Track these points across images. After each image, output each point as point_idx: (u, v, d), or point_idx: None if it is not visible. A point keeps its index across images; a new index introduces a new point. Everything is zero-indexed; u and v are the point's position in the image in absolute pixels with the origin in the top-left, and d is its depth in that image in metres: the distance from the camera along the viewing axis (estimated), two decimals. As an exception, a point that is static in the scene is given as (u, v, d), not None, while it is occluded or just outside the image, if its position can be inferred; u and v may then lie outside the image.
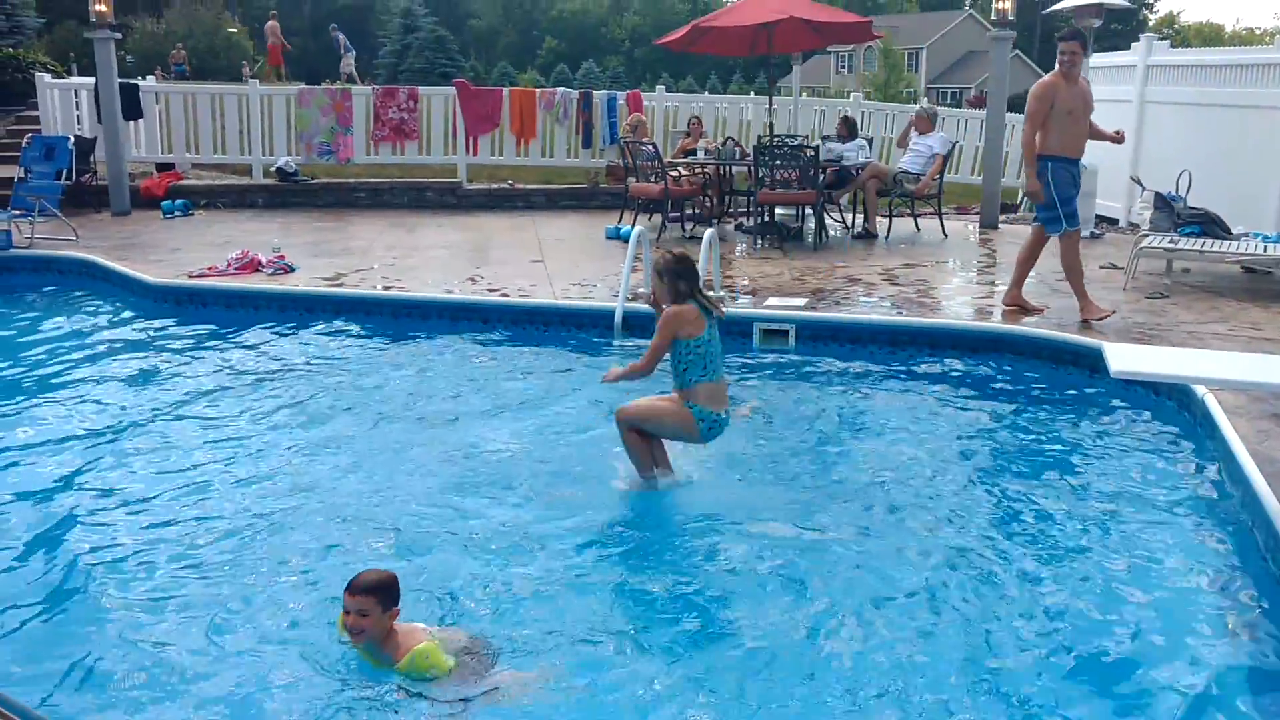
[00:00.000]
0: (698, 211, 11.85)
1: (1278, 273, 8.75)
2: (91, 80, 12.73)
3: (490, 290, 8.47)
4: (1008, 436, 5.80)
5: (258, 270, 9.09)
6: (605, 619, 3.85)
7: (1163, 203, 9.35)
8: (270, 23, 24.57)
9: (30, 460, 5.35)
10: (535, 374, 6.85)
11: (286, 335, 7.70)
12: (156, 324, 7.97)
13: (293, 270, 9.13)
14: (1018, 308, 7.68)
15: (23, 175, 11.19)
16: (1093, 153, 11.84)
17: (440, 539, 4.46)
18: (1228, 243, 8.68)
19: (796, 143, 11.52)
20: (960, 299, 8.47)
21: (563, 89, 15.25)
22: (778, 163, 10.70)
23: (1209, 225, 9.02)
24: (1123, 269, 8.92)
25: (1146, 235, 9.00)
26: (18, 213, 10.40)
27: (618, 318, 7.50)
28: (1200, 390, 5.55)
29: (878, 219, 11.44)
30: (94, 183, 12.53)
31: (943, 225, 11.55)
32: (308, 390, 6.48)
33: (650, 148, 11.31)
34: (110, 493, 4.95)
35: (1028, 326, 7.27)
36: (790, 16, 11.31)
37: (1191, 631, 3.75)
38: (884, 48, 49.74)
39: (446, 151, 14.13)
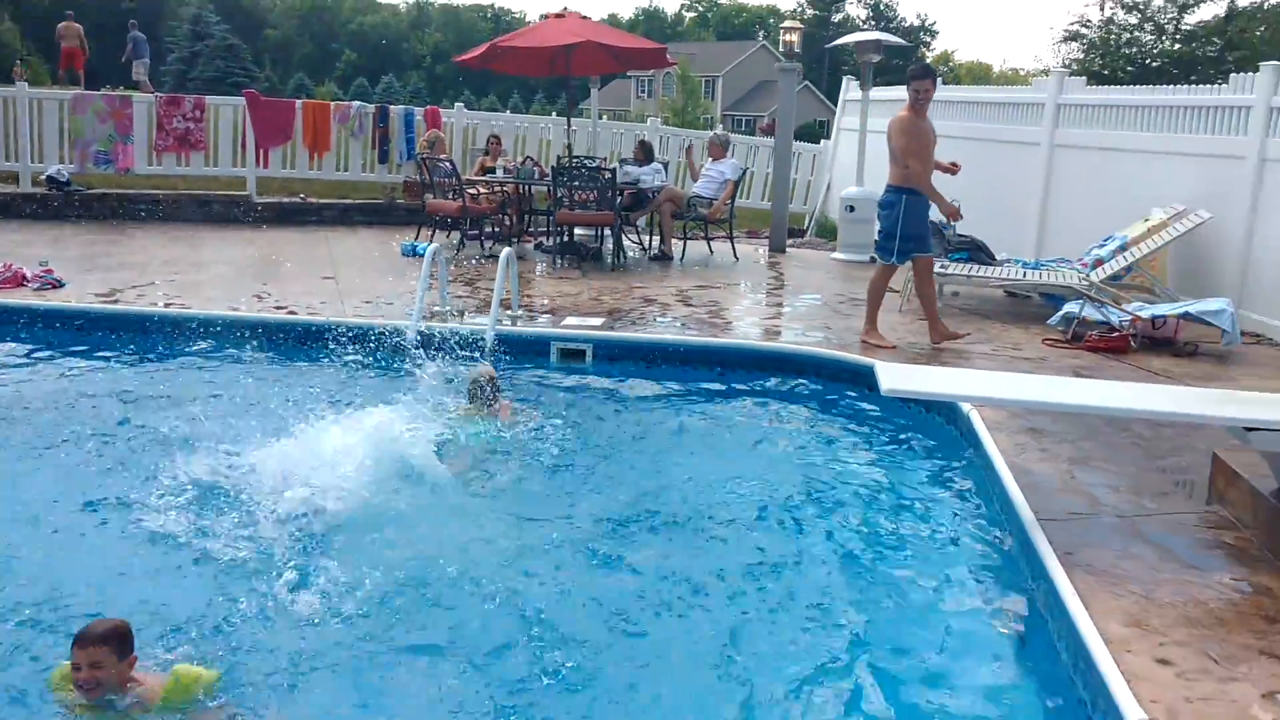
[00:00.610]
0: (497, 230, 11.83)
1: (1036, 297, 9.45)
2: None
3: (277, 308, 8.19)
4: (790, 451, 6.03)
5: (22, 285, 8.48)
6: (357, 651, 3.74)
7: (935, 230, 9.93)
8: (65, 24, 22.84)
9: None
10: (320, 393, 6.62)
11: (50, 355, 7.21)
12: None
13: (61, 286, 8.56)
14: (873, 343, 7.71)
15: None
16: (876, 183, 12.50)
17: (170, 572, 4.25)
18: (992, 268, 9.31)
19: (595, 164, 11.67)
20: (749, 320, 8.77)
21: (358, 102, 14.95)
22: (576, 184, 10.82)
23: (975, 252, 9.67)
24: (899, 292, 9.42)
25: (920, 260, 9.53)
26: None
27: (411, 335, 7.38)
28: (965, 407, 5.93)
29: (673, 241, 11.72)
30: None
31: (734, 248, 11.93)
32: (63, 415, 6.05)
33: (448, 164, 11.22)
34: None
35: (809, 346, 7.58)
36: (588, 40, 11.49)
37: (951, 636, 3.99)
38: (681, 74, 51.01)
39: (235, 163, 13.60)
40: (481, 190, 11.70)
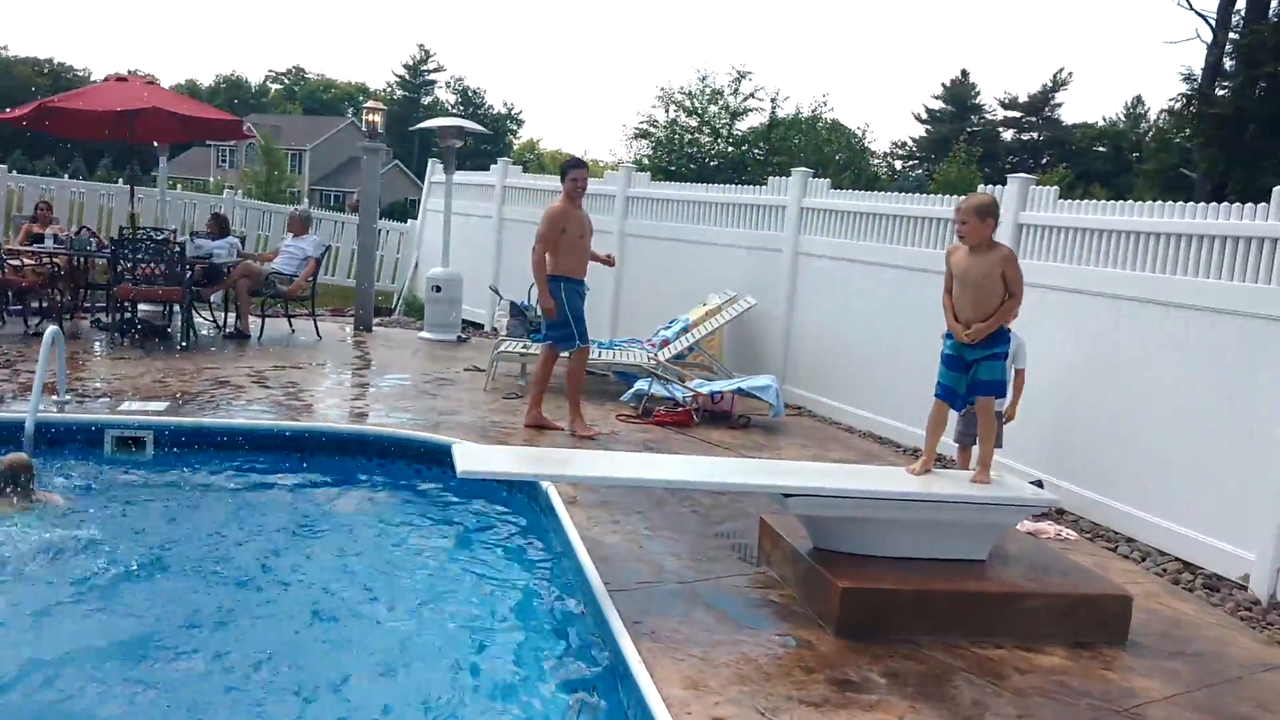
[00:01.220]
0: (45, 306, 10.67)
1: (611, 375, 9.97)
2: None
3: None
4: (372, 536, 5.87)
5: None
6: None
7: (517, 310, 10.24)
8: None
9: None
10: None
11: None
12: None
13: None
14: (538, 427, 7.71)
15: None
16: (461, 264, 12.73)
17: None
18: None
19: (162, 237, 10.90)
20: (331, 401, 8.51)
21: None
22: (140, 256, 10.04)
23: (555, 332, 10.05)
24: (485, 371, 9.58)
25: (504, 340, 9.77)
26: None
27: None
28: (544, 484, 6.10)
29: (250, 319, 11.17)
30: None
31: (316, 327, 11.59)
32: None
33: (-18, 232, 10.00)
34: None
35: (388, 427, 7.48)
36: (154, 107, 10.78)
37: (527, 712, 4.03)
38: (266, 146, 49.19)
39: None
40: (27, 261, 10.53)
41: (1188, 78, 26.89)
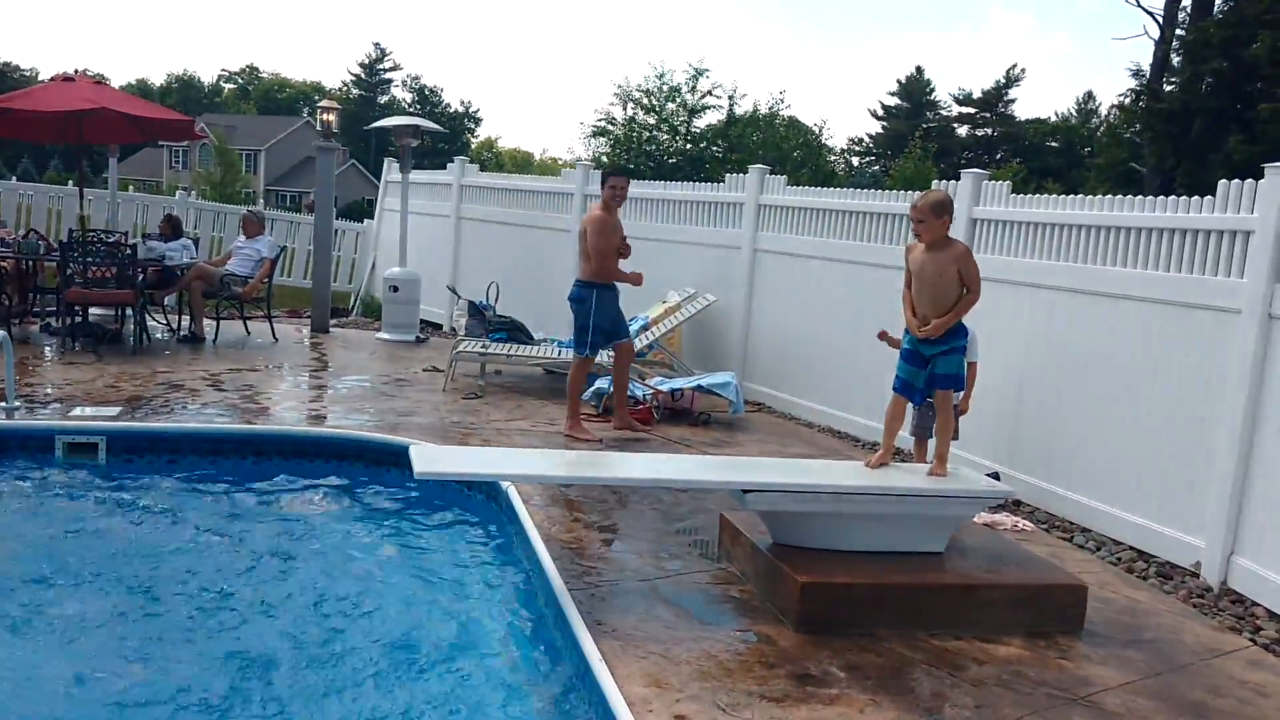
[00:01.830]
0: (-8, 310, 10.48)
1: (571, 373, 9.96)
2: None
3: None
4: (332, 539, 5.81)
5: None
6: None
7: (476, 310, 10.21)
8: None
9: None
10: None
11: None
12: None
13: None
14: (573, 437, 7.62)
15: None
16: (419, 264, 12.67)
17: None
18: (530, 347, 9.70)
19: (113, 239, 10.73)
20: (288, 403, 8.42)
21: None
22: (90, 260, 9.88)
23: (514, 332, 10.03)
24: (444, 371, 9.53)
25: (463, 340, 9.73)
26: None
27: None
28: (504, 483, 6.08)
29: (205, 321, 11.03)
30: None
31: (273, 329, 11.47)
32: None
33: (-73, 236, 9.80)
34: None
35: (346, 429, 7.42)
36: (103, 107, 10.61)
37: (486, 712, 4.02)
38: (219, 147, 48.65)
39: None
40: (-28, 265, 10.34)
41: (1136, 74, 27.34)
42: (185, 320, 11.27)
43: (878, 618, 4.47)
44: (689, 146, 34.81)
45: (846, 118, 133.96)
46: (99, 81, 11.90)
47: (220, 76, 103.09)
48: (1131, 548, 5.98)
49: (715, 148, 34.64)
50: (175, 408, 7.69)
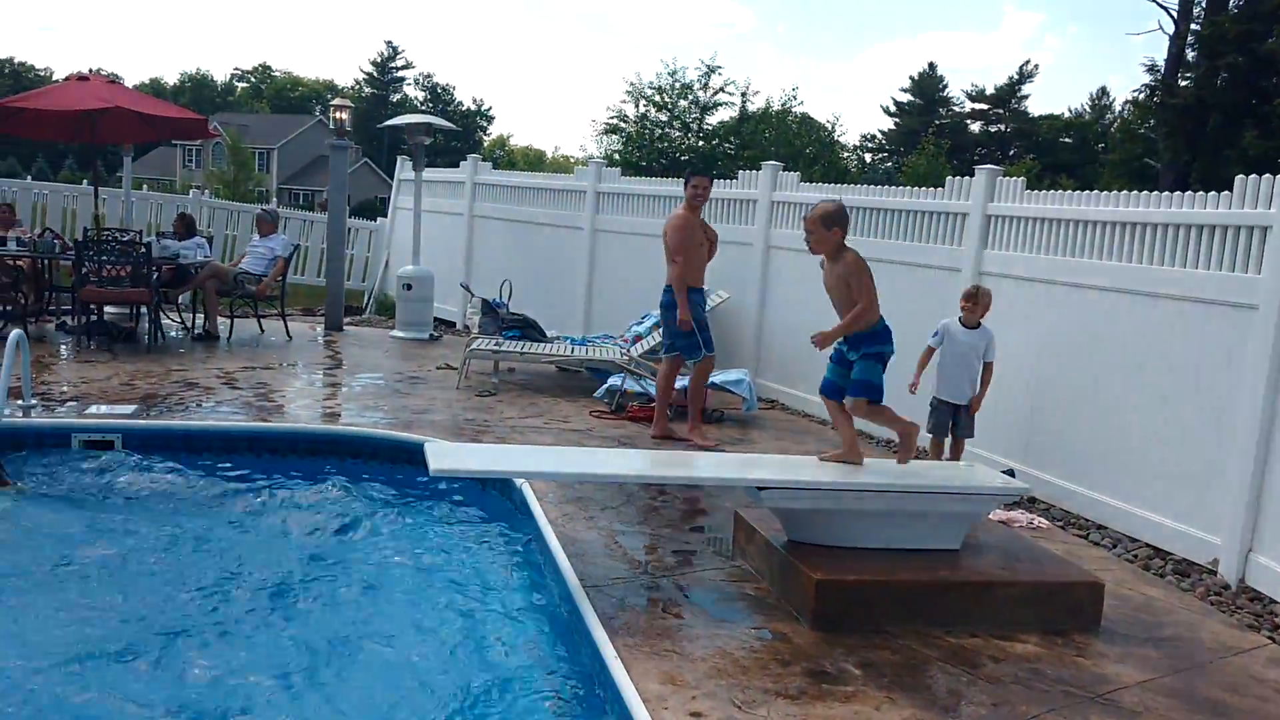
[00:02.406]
0: (7, 309, 10.53)
1: (584, 371, 9.95)
2: None
3: None
4: (345, 536, 5.83)
5: None
6: None
7: (489, 308, 10.21)
8: None
9: None
10: None
11: None
12: None
13: None
14: (665, 437, 7.58)
15: None
16: (432, 261, 12.69)
17: None
18: (543, 345, 9.71)
19: (128, 238, 10.78)
20: (302, 401, 8.44)
21: None
22: (105, 258, 9.92)
23: (527, 329, 10.04)
24: (457, 369, 9.54)
25: (476, 338, 9.74)
26: None
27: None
28: (519, 481, 6.08)
29: (219, 320, 11.07)
30: None
31: (286, 327, 11.50)
32: None
33: (-57, 235, 9.85)
34: None
35: (361, 427, 7.43)
36: (117, 106, 10.66)
37: (505, 709, 4.02)
38: (232, 145, 48.82)
39: None
40: (-11, 264, 10.39)
41: (1151, 69, 27.22)
42: (199, 319, 11.31)
43: (893, 615, 4.46)
44: (701, 143, 34.84)
45: (859, 114, 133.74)
46: (113, 81, 11.97)
47: (233, 75, 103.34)
48: (1148, 545, 5.95)
49: (728, 145, 34.63)
50: (190, 406, 7.72)
